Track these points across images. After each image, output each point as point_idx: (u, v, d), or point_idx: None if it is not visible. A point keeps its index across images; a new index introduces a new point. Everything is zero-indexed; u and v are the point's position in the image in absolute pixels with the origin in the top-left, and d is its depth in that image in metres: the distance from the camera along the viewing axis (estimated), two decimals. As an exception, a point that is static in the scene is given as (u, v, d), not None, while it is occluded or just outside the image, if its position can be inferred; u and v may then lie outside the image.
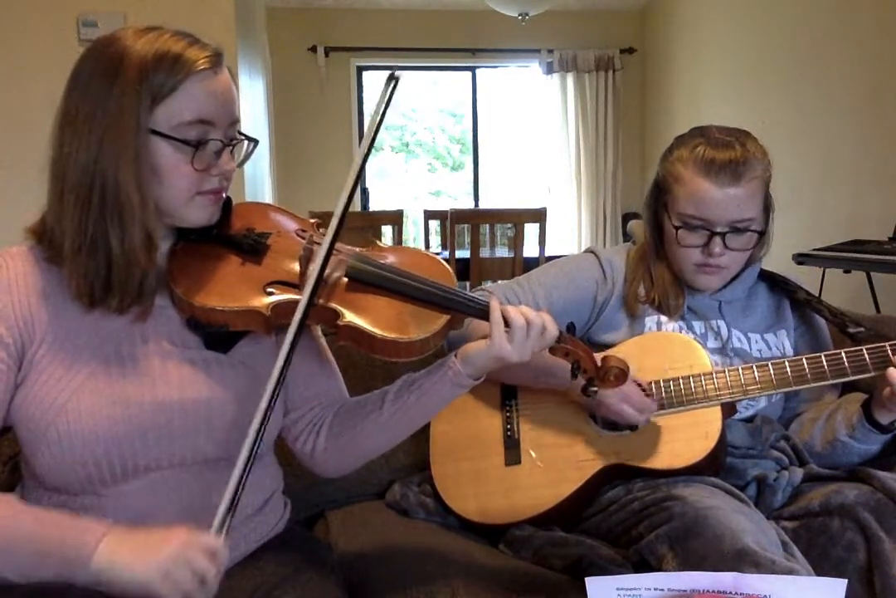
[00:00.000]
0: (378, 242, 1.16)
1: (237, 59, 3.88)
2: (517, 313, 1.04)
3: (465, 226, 3.98)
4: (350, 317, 1.02)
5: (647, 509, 1.22)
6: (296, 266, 1.05)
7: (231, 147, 1.02)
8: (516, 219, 3.89)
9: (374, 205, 6.32)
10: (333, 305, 1.03)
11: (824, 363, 1.31)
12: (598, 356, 1.13)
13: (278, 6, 5.75)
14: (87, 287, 0.97)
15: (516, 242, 3.86)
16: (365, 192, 6.26)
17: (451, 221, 3.83)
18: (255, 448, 0.92)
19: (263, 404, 0.93)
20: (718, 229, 1.36)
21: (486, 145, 6.72)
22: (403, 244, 5.22)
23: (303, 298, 0.97)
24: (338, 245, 1.07)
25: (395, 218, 4.00)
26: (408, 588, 1.15)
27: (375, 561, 1.25)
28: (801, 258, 3.05)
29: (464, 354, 1.07)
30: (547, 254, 3.88)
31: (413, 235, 7.28)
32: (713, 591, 0.84)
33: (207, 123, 0.98)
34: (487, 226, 4.22)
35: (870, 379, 1.32)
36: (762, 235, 1.40)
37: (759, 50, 4.55)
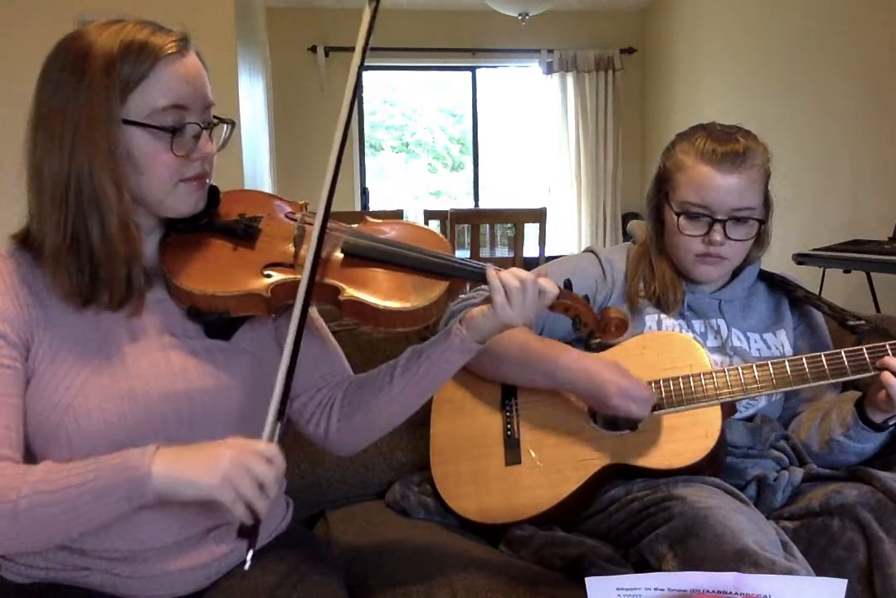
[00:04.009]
0: (368, 217, 1.16)
1: (237, 59, 3.88)
2: (511, 276, 1.05)
3: (465, 226, 3.98)
4: (350, 291, 1.03)
5: (647, 509, 1.22)
6: (290, 247, 1.06)
7: (209, 130, 1.02)
8: (516, 219, 3.90)
9: (374, 205, 6.32)
10: (332, 281, 1.04)
11: (824, 363, 1.31)
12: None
13: (278, 6, 5.75)
14: (75, 287, 0.96)
15: (516, 242, 3.86)
16: (365, 192, 6.25)
17: (451, 221, 3.83)
18: (297, 348, 0.95)
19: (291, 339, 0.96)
20: (719, 217, 1.36)
21: (486, 145, 6.72)
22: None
23: (304, 276, 0.98)
24: (331, 223, 1.07)
25: (395, 218, 3.99)
26: (408, 588, 1.15)
27: (375, 561, 1.25)
28: (801, 258, 3.05)
29: (469, 321, 1.09)
30: (547, 254, 3.88)
31: (413, 235, 7.26)
32: (713, 591, 0.84)
33: (182, 107, 0.97)
34: (487, 226, 4.22)
35: (869, 378, 1.32)
36: (763, 223, 1.41)
37: (759, 50, 4.55)
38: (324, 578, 1.10)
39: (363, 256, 1.07)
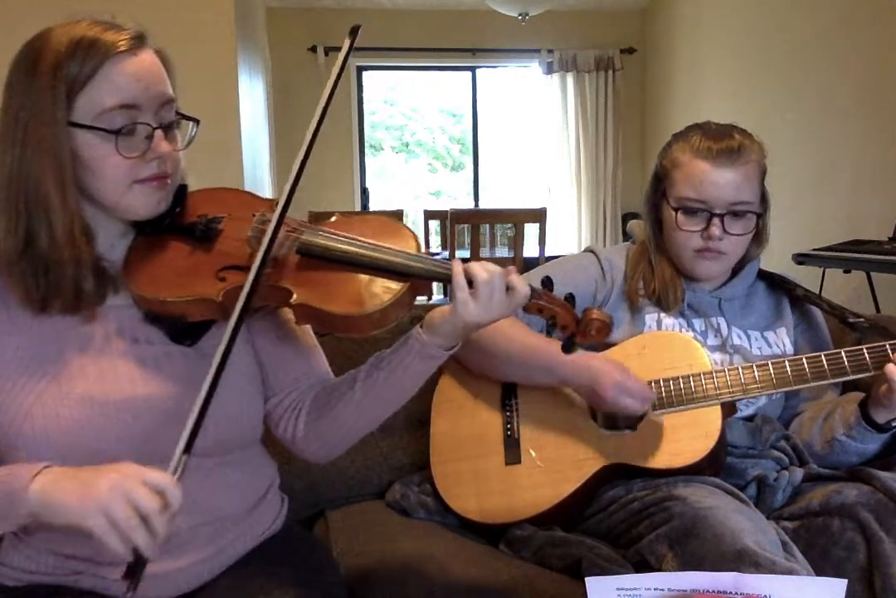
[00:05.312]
0: (339, 214, 1.11)
1: (237, 59, 3.88)
2: (481, 268, 0.98)
3: (465, 226, 3.98)
4: (301, 296, 0.97)
5: (647, 509, 1.22)
6: (248, 249, 1.01)
7: (165, 129, 0.98)
8: (516, 219, 3.90)
9: (374, 205, 6.32)
10: (284, 284, 0.99)
11: (824, 363, 1.31)
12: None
13: (278, 6, 5.75)
14: (28, 292, 0.96)
15: (516, 242, 3.86)
16: (365, 192, 6.26)
17: (451, 221, 3.83)
18: (213, 390, 0.88)
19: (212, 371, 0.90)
20: (717, 211, 1.37)
21: (486, 145, 6.73)
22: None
23: (248, 280, 0.93)
24: (291, 222, 1.02)
25: (395, 218, 3.99)
26: (408, 588, 1.15)
27: (375, 561, 1.25)
28: (801, 258, 3.05)
29: (429, 323, 1.02)
30: (547, 254, 3.88)
31: (413, 235, 7.26)
32: (713, 591, 0.84)
33: (132, 107, 0.94)
34: (487, 226, 4.22)
35: (870, 378, 1.32)
36: (760, 217, 1.42)
37: (759, 50, 4.55)
38: (321, 578, 1.10)
39: (319, 257, 1.01)
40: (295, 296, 0.98)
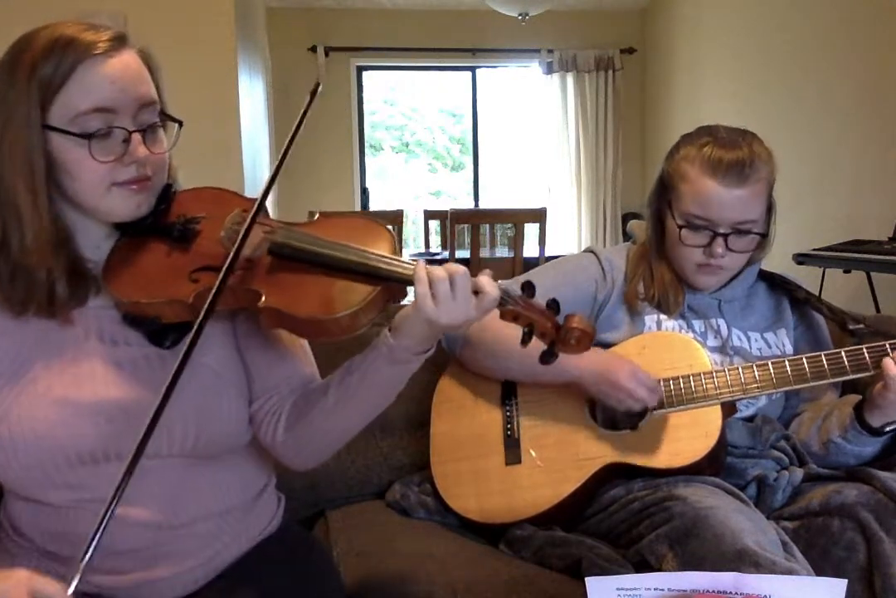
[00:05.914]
0: (321, 214, 1.08)
1: (237, 59, 3.88)
2: (440, 267, 0.94)
3: (465, 226, 3.98)
4: (269, 299, 0.94)
5: (647, 509, 1.22)
6: (222, 249, 0.98)
7: (145, 132, 0.96)
8: (516, 219, 3.89)
9: (374, 205, 6.32)
10: (254, 286, 0.96)
11: (824, 362, 1.31)
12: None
13: (278, 6, 5.75)
14: (6, 295, 0.95)
15: (516, 242, 3.86)
16: (365, 192, 6.26)
17: (451, 221, 3.83)
18: (123, 486, 0.84)
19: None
20: (721, 230, 1.36)
21: (486, 145, 6.73)
22: (403, 244, 5.17)
23: (216, 282, 0.91)
24: (265, 221, 1.00)
25: (395, 218, 3.99)
26: (408, 588, 1.15)
27: (375, 561, 1.25)
28: (801, 258, 3.05)
29: (395, 324, 0.99)
30: (547, 254, 3.88)
31: (413, 235, 7.28)
32: (713, 591, 0.84)
33: (108, 110, 0.92)
34: (487, 226, 4.22)
35: (869, 379, 1.32)
36: (764, 237, 1.41)
37: (759, 50, 4.55)
38: (320, 578, 1.10)
39: (289, 258, 0.98)
40: (263, 299, 0.95)
